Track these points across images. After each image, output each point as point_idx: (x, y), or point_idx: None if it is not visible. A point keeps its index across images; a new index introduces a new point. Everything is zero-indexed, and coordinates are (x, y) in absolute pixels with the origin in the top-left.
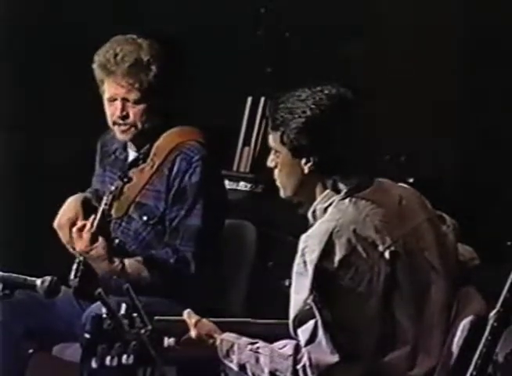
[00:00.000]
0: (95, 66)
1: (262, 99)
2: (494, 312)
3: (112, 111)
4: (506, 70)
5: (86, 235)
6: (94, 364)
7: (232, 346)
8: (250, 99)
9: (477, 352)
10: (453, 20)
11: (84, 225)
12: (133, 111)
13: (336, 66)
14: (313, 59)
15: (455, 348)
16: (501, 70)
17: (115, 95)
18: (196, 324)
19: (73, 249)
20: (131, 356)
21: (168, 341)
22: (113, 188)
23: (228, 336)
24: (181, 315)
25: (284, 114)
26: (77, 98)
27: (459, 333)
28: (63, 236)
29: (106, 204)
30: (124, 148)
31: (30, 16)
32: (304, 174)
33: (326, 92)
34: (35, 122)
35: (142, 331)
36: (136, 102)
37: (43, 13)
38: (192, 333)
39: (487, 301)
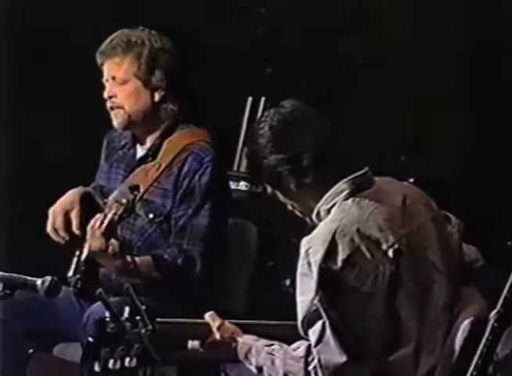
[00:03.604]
0: (97, 54)
1: (262, 99)
2: (494, 312)
3: (104, 95)
4: (506, 70)
5: (98, 233)
6: (97, 368)
7: (250, 349)
8: (250, 99)
9: (478, 352)
10: (453, 20)
11: (94, 223)
12: (119, 90)
13: (336, 66)
14: (313, 59)
15: (455, 348)
16: (501, 69)
17: (106, 76)
18: (219, 327)
19: (61, 237)
20: (134, 359)
21: (193, 344)
22: (124, 201)
23: (247, 338)
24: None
25: (266, 162)
26: (77, 98)
27: (459, 333)
28: (52, 222)
29: (115, 214)
30: (133, 144)
31: (31, 16)
32: (312, 185)
33: (274, 115)
34: (34, 122)
35: (143, 331)
36: (122, 82)
37: (43, 13)
38: (217, 336)
39: (487, 302)
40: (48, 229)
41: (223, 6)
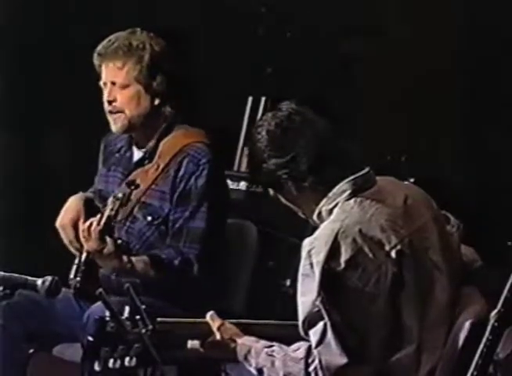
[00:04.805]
0: (94, 55)
1: (263, 99)
2: (495, 312)
3: (104, 98)
4: (506, 70)
5: (94, 233)
6: (97, 367)
7: (249, 350)
8: (250, 99)
9: (478, 352)
10: (454, 21)
11: (91, 224)
12: (120, 95)
13: (336, 66)
14: (313, 59)
15: (456, 348)
16: (501, 69)
17: (104, 79)
18: (219, 328)
19: (78, 248)
20: (134, 359)
21: (192, 343)
22: (120, 195)
23: (247, 340)
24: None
25: (265, 166)
26: (77, 98)
27: (460, 333)
28: (65, 236)
29: (111, 210)
30: (129, 146)
31: (30, 16)
32: (312, 188)
33: (272, 120)
34: (34, 122)
35: (143, 331)
36: (123, 86)
37: (43, 13)
38: (217, 336)
39: (488, 301)
40: (65, 242)
41: (223, 6)
